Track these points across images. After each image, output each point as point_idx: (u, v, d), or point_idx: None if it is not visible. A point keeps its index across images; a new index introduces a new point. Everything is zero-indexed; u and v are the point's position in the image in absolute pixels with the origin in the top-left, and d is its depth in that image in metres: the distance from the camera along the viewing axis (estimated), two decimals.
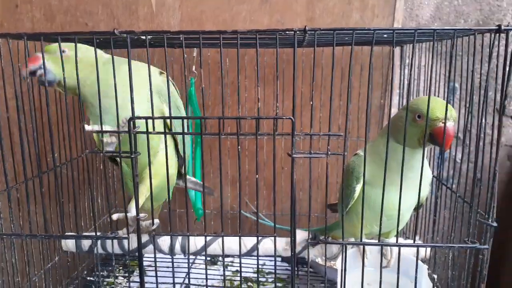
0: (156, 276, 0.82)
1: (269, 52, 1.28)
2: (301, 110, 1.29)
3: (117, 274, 1.28)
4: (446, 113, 0.73)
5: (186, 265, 1.24)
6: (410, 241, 1.02)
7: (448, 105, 0.74)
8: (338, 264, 0.89)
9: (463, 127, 1.18)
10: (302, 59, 1.25)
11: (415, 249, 0.81)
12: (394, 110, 1.33)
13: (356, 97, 1.26)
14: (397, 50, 1.25)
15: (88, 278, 1.24)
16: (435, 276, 0.97)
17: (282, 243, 1.00)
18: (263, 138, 1.33)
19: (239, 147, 0.71)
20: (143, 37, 0.68)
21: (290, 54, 1.25)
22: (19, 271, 0.88)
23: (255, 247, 1.05)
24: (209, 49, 1.26)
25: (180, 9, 1.27)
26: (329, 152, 0.69)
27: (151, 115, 0.68)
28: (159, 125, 0.78)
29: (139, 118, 0.67)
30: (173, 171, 1.00)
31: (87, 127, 0.75)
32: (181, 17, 1.27)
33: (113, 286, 1.21)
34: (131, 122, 0.68)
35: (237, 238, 1.02)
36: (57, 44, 0.77)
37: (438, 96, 1.08)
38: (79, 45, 0.74)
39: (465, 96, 1.25)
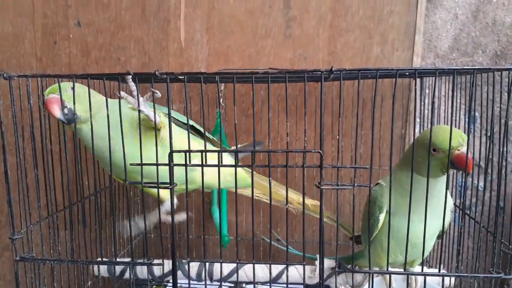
0: None
1: (290, 85, 1.32)
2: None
3: None
4: (450, 142, 0.76)
5: None
6: (434, 270, 1.03)
7: (455, 130, 0.77)
8: None
9: (485, 155, 1.20)
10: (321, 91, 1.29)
11: (439, 278, 0.82)
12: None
13: (377, 127, 1.30)
14: (417, 81, 1.28)
15: None
16: None
17: (307, 271, 1.03)
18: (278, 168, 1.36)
19: (270, 178, 0.75)
20: (181, 77, 0.74)
21: (311, 86, 1.30)
22: None
23: (280, 275, 1.08)
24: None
25: (207, 44, 1.34)
26: (356, 184, 0.72)
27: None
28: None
29: (178, 151, 0.72)
30: None
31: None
32: (209, 52, 1.34)
33: None
34: (171, 155, 0.73)
35: (264, 265, 1.05)
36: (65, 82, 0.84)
37: (458, 126, 1.11)
38: (77, 84, 0.82)
39: (485, 125, 1.27)
